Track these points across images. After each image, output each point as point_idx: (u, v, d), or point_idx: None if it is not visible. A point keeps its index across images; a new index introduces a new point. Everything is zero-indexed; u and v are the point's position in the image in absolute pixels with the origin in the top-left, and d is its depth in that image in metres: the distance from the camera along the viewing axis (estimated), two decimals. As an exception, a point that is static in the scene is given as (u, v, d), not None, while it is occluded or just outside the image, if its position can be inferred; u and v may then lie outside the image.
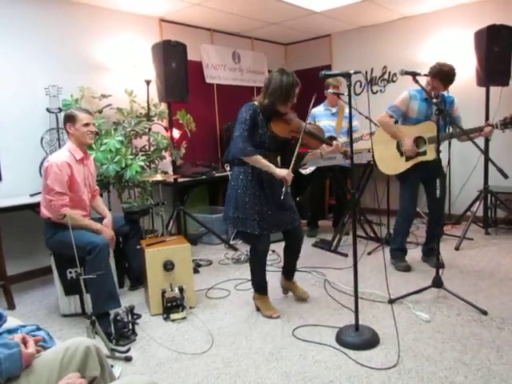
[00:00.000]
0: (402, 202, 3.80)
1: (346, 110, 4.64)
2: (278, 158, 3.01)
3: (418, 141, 3.58)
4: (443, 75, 3.43)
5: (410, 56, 5.59)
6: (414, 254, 4.11)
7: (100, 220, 3.32)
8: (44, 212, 3.10)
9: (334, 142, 3.03)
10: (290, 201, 3.02)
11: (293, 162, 2.75)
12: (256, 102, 2.86)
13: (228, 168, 4.48)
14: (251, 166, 2.85)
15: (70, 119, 3.13)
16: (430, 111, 3.59)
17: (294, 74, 2.81)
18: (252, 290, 3.18)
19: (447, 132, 3.69)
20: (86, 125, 3.15)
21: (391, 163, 3.68)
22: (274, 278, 3.48)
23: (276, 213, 2.91)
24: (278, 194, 2.78)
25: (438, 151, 3.05)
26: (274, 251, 4.29)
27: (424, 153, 3.57)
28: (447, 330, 2.71)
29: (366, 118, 3.31)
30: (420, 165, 3.58)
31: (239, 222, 2.90)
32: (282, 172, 2.74)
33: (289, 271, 3.28)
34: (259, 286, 3.11)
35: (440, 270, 3.08)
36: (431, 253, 3.84)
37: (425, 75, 3.04)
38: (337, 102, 4.84)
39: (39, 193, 3.40)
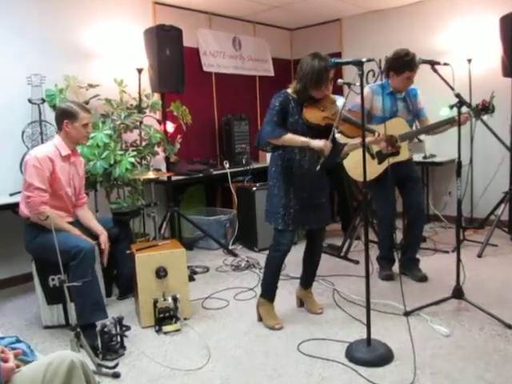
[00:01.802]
0: (381, 208, 3.82)
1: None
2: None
3: (390, 141, 3.56)
4: (411, 62, 3.41)
5: (427, 43, 5.57)
6: (430, 261, 4.11)
7: (80, 225, 3.32)
8: (23, 210, 3.10)
9: (377, 132, 3.03)
10: (321, 197, 3.06)
11: (331, 133, 2.77)
12: (289, 90, 2.96)
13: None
14: (282, 157, 2.94)
15: (70, 116, 3.12)
16: (396, 107, 3.62)
17: (328, 57, 2.84)
18: (254, 298, 3.18)
19: (416, 128, 3.69)
20: (86, 125, 3.17)
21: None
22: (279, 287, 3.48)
23: (303, 209, 2.98)
24: (314, 188, 2.96)
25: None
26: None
27: (396, 153, 3.55)
28: (468, 345, 2.70)
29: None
30: (391, 167, 3.52)
31: (268, 214, 3.05)
32: (320, 142, 2.79)
33: (307, 278, 3.31)
34: (268, 289, 3.13)
35: (461, 279, 3.07)
36: (412, 263, 3.82)
37: (445, 64, 3.02)
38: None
39: (20, 192, 3.40)
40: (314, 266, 3.30)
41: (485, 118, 3.36)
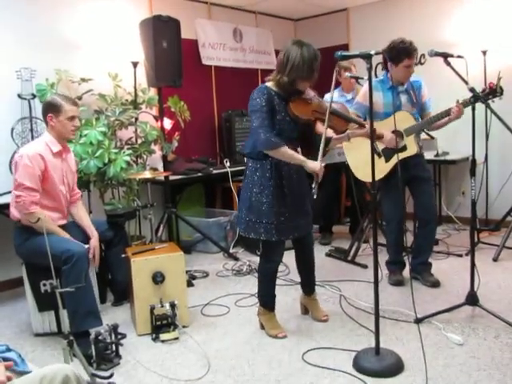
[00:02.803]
0: (385, 212, 3.83)
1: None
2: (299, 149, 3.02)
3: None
4: (408, 48, 3.45)
5: (439, 33, 5.58)
6: (442, 265, 4.11)
7: (74, 226, 3.33)
8: (13, 212, 3.12)
9: (367, 125, 2.99)
10: (307, 203, 3.06)
11: (321, 149, 2.73)
12: (268, 83, 2.87)
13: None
14: (270, 161, 2.86)
15: (53, 109, 3.14)
16: (399, 101, 3.63)
17: (311, 45, 2.81)
18: (256, 305, 3.18)
19: (421, 121, 3.67)
20: (72, 118, 3.18)
21: (369, 168, 3.58)
22: (280, 293, 3.49)
23: (293, 216, 2.95)
24: (301, 193, 2.93)
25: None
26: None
27: (404, 148, 3.57)
28: (483, 354, 2.70)
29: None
30: (401, 165, 3.57)
31: (252, 227, 2.92)
32: (316, 165, 2.73)
33: (307, 284, 3.31)
34: (266, 299, 3.13)
35: (475, 285, 3.08)
36: (424, 268, 3.82)
37: (458, 57, 3.03)
38: (353, 86, 4.90)
39: (9, 192, 3.42)
40: (310, 270, 3.28)
41: (494, 103, 3.32)
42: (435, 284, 3.73)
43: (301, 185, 2.99)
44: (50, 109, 3.15)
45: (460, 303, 3.12)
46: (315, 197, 2.71)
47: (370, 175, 3.52)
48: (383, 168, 3.59)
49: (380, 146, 3.55)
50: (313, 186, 2.72)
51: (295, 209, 2.95)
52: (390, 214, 3.82)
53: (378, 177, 3.52)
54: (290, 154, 2.77)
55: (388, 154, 3.55)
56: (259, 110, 2.77)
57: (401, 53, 3.46)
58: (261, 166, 2.89)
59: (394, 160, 3.56)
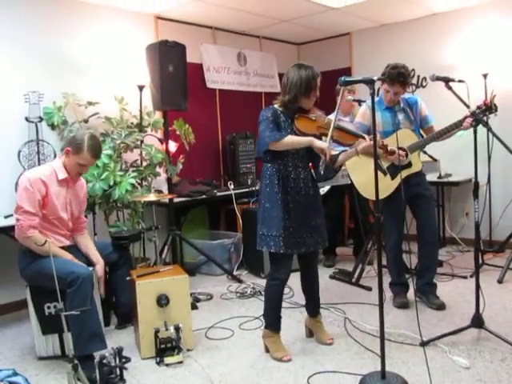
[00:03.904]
0: (386, 228, 3.80)
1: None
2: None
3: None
4: (390, 74, 3.49)
5: (440, 57, 5.65)
6: (447, 287, 4.09)
7: (74, 249, 3.35)
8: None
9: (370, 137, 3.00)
10: (317, 218, 3.08)
11: (330, 132, 2.80)
12: (275, 105, 3.04)
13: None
14: (277, 176, 2.97)
15: (75, 147, 3.16)
16: (397, 119, 3.68)
17: (311, 66, 2.97)
18: (260, 328, 3.17)
19: (426, 136, 3.68)
20: (82, 165, 3.22)
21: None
22: (285, 316, 3.47)
23: (299, 230, 2.99)
24: (308, 208, 3.00)
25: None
26: (285, 283, 4.29)
27: (409, 164, 3.60)
28: (490, 378, 2.68)
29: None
30: (403, 183, 3.54)
31: (264, 240, 3.01)
32: (324, 144, 2.84)
33: (312, 306, 3.31)
34: (272, 321, 3.13)
35: (481, 307, 3.06)
36: (429, 289, 3.79)
37: (459, 81, 3.07)
38: (351, 109, 4.95)
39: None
40: (315, 291, 3.29)
41: (490, 120, 3.36)
42: (440, 307, 3.71)
43: (308, 200, 3.03)
44: (73, 145, 3.18)
45: (465, 326, 3.10)
46: (322, 173, 2.90)
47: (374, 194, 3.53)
48: (389, 185, 3.61)
49: (385, 164, 3.58)
50: (320, 164, 2.87)
51: (300, 224, 2.99)
52: (390, 232, 3.82)
53: (385, 194, 3.56)
54: (295, 139, 2.91)
55: (393, 171, 3.58)
56: (266, 119, 2.95)
57: (385, 75, 3.52)
58: (270, 182, 3.00)
59: (399, 177, 3.54)
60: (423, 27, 5.83)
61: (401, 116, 3.70)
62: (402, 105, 3.70)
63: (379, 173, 3.36)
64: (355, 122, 3.81)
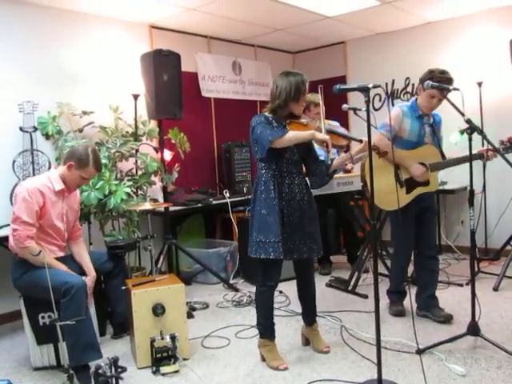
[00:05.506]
0: (400, 240, 3.73)
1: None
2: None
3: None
4: (451, 82, 3.35)
5: (435, 66, 5.55)
6: (443, 295, 4.10)
7: (72, 259, 3.34)
8: (12, 245, 3.13)
9: (364, 139, 2.96)
10: (311, 225, 3.09)
11: (322, 121, 2.93)
12: (266, 113, 3.06)
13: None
14: (273, 182, 2.98)
15: (79, 162, 3.17)
16: (423, 131, 3.59)
17: (300, 72, 3.03)
18: (256, 336, 3.17)
19: (451, 158, 3.56)
20: (84, 179, 3.24)
21: (389, 196, 3.36)
22: (281, 324, 3.49)
23: (292, 236, 3.00)
24: (303, 215, 3.03)
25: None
26: (281, 292, 4.30)
27: (427, 182, 3.55)
28: (486, 385, 2.69)
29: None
30: (417, 196, 3.56)
31: (262, 247, 2.98)
32: (324, 135, 2.90)
33: (308, 314, 3.30)
34: (265, 329, 3.13)
35: (477, 315, 3.07)
36: (432, 302, 3.72)
37: (454, 89, 3.09)
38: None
39: (9, 224, 3.43)
40: (311, 299, 3.29)
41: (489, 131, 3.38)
42: (448, 318, 3.60)
43: (302, 206, 3.04)
44: (76, 160, 3.17)
45: (462, 333, 3.11)
46: (329, 162, 3.04)
47: (387, 203, 3.49)
48: (402, 199, 3.45)
49: (404, 176, 3.54)
50: (324, 154, 2.99)
51: (294, 230, 3.00)
52: (403, 246, 3.73)
53: (395, 206, 3.28)
54: (298, 133, 2.93)
55: (411, 185, 3.52)
56: (261, 123, 2.96)
57: (433, 80, 3.27)
58: (266, 189, 3.01)
59: (414, 193, 3.52)
60: (418, 36, 5.89)
61: (427, 129, 3.60)
62: (431, 119, 3.61)
63: (383, 185, 3.33)
64: (384, 123, 3.54)
